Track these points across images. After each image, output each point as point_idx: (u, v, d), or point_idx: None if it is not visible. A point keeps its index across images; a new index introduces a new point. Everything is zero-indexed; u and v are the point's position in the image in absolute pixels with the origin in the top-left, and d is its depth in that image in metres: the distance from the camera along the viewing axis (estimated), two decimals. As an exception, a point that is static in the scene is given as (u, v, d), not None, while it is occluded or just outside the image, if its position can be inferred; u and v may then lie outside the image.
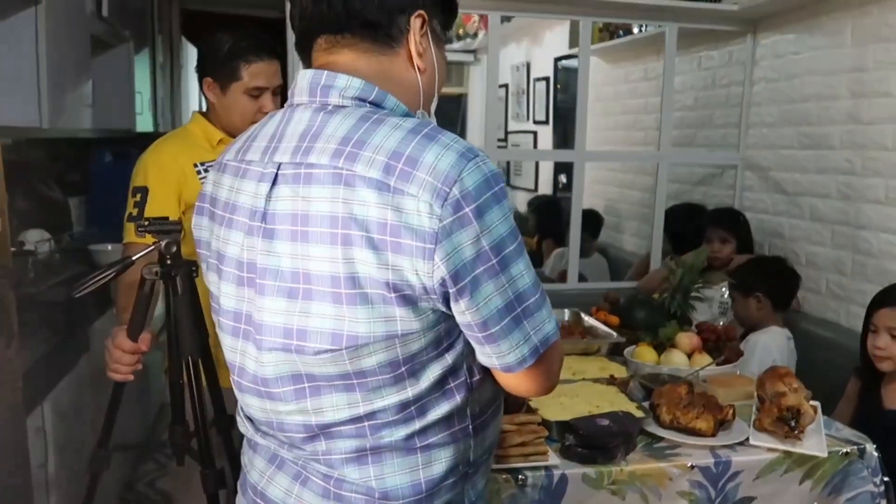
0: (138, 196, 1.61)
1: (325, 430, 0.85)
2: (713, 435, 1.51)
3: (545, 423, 1.43)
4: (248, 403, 0.92)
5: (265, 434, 0.93)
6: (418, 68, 0.88)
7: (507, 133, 5.49)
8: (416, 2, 0.87)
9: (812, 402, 1.58)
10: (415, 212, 0.74)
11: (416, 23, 0.87)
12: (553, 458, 1.39)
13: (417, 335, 0.80)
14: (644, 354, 1.93)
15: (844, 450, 1.52)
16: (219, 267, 0.90)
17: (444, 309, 0.80)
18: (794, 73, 2.59)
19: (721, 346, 1.97)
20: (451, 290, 0.77)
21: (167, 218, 1.39)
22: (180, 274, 1.34)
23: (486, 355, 0.83)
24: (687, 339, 1.95)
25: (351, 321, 0.78)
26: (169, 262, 1.34)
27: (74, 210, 3.00)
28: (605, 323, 2.14)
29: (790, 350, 2.22)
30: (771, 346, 2.16)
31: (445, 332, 0.82)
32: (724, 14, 2.69)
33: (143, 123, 3.56)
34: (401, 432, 0.84)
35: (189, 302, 1.35)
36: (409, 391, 0.83)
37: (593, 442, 1.39)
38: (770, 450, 1.49)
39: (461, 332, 0.83)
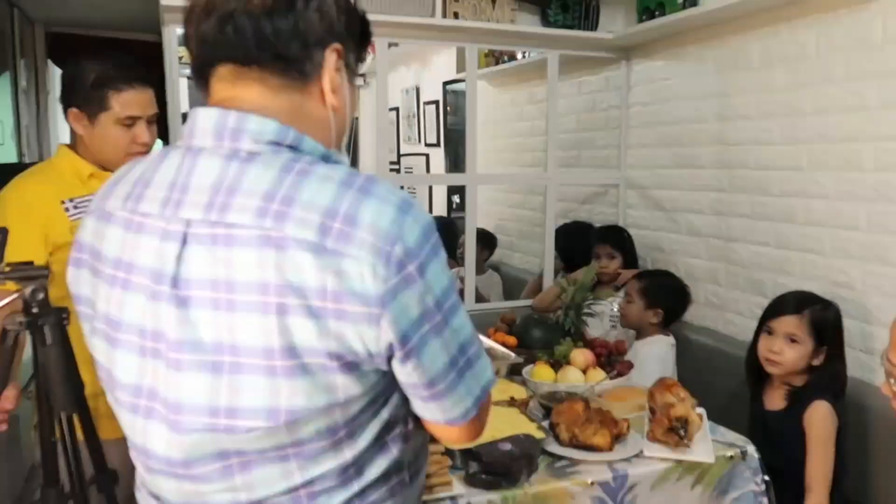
0: (-2, 237, 1.47)
1: None
2: (610, 449, 1.56)
3: (448, 452, 1.42)
4: (161, 486, 0.82)
5: None
6: (332, 106, 0.80)
7: (399, 156, 5.51)
8: (332, 33, 0.79)
9: (698, 410, 1.67)
10: (358, 275, 0.69)
11: (331, 57, 0.79)
12: (458, 487, 1.39)
13: (359, 398, 0.76)
14: (541, 373, 1.97)
15: (729, 453, 1.61)
16: (110, 335, 0.80)
17: (385, 368, 0.76)
18: (666, 97, 2.76)
19: (613, 359, 2.04)
20: (397, 354, 0.73)
21: (32, 262, 1.27)
22: (48, 323, 1.23)
23: (430, 411, 0.80)
24: (581, 355, 2.01)
25: (289, 395, 0.71)
26: (35, 310, 1.23)
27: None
28: (504, 344, 2.17)
29: (672, 357, 2.34)
30: (657, 356, 2.27)
31: (383, 388, 0.78)
32: (599, 42, 2.84)
33: (6, 154, 3.29)
34: (340, 496, 0.79)
35: (60, 352, 1.24)
36: (348, 453, 0.78)
37: (497, 467, 1.40)
38: (663, 460, 1.55)
39: (397, 386, 0.79)
